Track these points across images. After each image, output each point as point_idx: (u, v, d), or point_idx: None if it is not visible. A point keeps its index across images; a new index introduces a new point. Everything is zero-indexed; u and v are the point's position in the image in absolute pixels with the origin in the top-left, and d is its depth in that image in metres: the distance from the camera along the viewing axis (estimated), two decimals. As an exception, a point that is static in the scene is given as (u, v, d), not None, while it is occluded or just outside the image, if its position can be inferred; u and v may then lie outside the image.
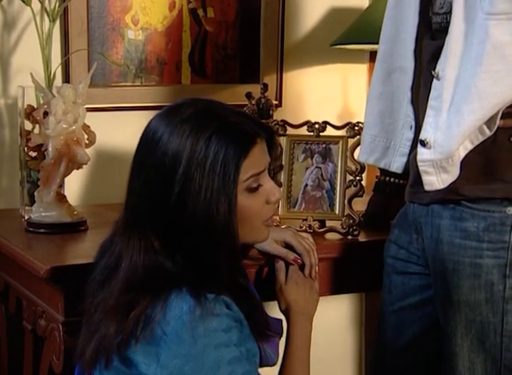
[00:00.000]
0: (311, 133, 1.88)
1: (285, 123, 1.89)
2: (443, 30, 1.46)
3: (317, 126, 1.87)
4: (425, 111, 1.47)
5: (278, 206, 1.37)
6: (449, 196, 1.48)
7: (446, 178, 1.44)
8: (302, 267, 1.58)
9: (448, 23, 1.43)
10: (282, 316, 1.50)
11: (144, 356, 1.21)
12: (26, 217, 1.88)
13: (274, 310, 1.52)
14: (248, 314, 1.25)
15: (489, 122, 1.41)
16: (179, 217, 1.23)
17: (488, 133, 1.42)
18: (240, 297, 1.25)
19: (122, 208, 1.32)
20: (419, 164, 1.46)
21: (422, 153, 1.45)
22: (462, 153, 1.44)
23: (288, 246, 1.61)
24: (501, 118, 1.41)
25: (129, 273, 1.25)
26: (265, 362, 1.36)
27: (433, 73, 1.44)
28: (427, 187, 1.47)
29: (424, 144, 1.44)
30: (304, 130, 1.89)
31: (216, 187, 1.22)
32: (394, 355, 1.67)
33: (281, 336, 1.44)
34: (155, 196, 1.25)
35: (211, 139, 1.23)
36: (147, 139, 1.28)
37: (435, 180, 1.45)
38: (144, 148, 1.28)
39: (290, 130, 1.90)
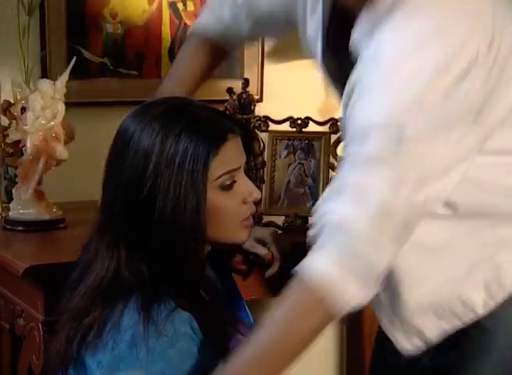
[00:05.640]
0: (294, 129, 1.87)
1: (267, 119, 1.87)
2: None
3: (299, 121, 1.86)
4: None
5: (257, 206, 1.34)
6: None
7: None
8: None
9: None
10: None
11: (92, 363, 1.20)
12: (4, 215, 1.86)
13: (264, 309, 1.50)
14: (204, 327, 1.21)
15: None
16: (148, 215, 1.21)
17: None
18: (198, 308, 1.22)
19: (98, 209, 1.30)
20: None
21: None
22: None
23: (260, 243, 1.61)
24: None
25: (92, 278, 1.24)
26: None
27: None
28: None
29: None
30: (286, 126, 1.88)
31: (185, 183, 1.20)
32: None
33: None
34: (128, 195, 1.23)
35: (181, 136, 1.21)
36: (120, 138, 1.26)
37: None
38: (117, 148, 1.26)
39: (272, 126, 1.89)
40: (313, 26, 1.39)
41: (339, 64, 1.34)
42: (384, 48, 1.16)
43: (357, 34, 1.24)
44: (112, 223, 1.25)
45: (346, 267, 1.13)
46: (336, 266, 1.13)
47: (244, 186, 1.27)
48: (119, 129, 1.27)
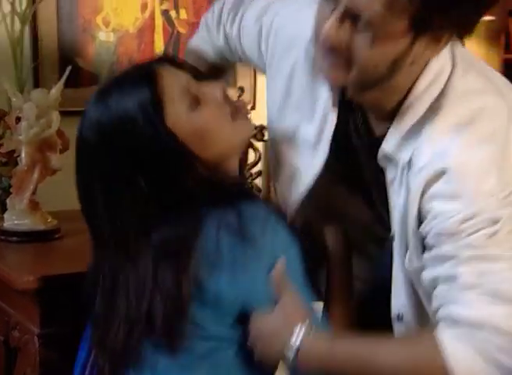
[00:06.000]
0: (289, 138, 1.86)
1: (262, 128, 1.87)
2: None
3: (295, 130, 1.85)
4: None
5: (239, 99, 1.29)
6: None
7: None
8: None
9: None
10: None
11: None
12: (-2, 225, 1.84)
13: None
14: None
15: None
16: (155, 191, 1.18)
17: None
18: None
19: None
20: None
21: None
22: None
23: None
24: None
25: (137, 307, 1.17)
26: None
27: None
28: None
29: None
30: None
31: (156, 147, 1.16)
32: None
33: None
34: (126, 197, 1.21)
35: (119, 106, 1.17)
36: (81, 143, 1.28)
37: None
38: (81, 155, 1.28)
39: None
40: (311, 132, 1.34)
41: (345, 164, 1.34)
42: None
43: (390, 144, 1.22)
44: (117, 242, 1.22)
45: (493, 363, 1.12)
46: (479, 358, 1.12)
47: (206, 91, 1.21)
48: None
